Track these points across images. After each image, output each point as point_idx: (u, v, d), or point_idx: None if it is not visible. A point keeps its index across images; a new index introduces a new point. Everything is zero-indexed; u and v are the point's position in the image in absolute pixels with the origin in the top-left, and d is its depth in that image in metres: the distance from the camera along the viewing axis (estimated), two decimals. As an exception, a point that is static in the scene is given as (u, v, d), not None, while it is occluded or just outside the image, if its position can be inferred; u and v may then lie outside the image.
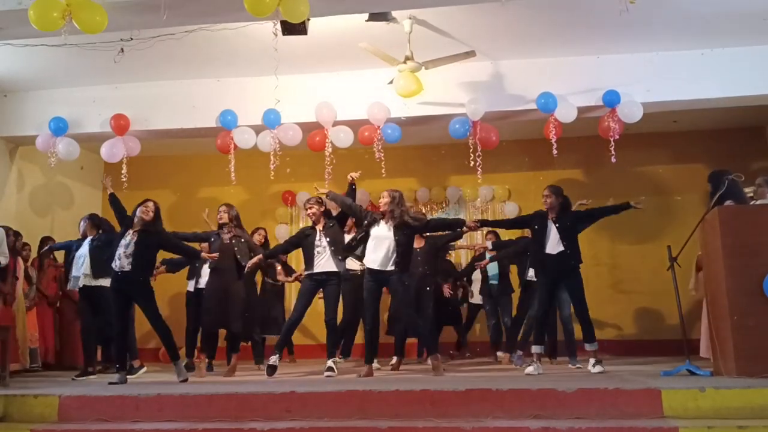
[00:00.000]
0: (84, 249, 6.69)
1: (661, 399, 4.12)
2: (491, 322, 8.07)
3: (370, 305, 6.09)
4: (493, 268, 7.89)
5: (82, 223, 6.96)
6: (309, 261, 6.25)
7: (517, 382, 4.83)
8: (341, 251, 6.25)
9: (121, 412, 4.50)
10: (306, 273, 6.31)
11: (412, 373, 6.35)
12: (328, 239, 6.21)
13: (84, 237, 6.85)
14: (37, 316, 7.75)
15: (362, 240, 6.10)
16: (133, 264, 5.73)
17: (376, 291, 6.08)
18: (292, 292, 9.53)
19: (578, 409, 4.13)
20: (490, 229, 8.15)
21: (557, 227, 6.00)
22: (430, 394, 4.35)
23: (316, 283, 6.23)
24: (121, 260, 5.75)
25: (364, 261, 6.12)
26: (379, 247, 5.95)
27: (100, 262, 6.46)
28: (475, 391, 4.34)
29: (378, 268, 5.94)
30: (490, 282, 7.93)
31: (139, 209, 5.93)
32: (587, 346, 5.92)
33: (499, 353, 7.76)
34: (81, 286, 6.63)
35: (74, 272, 6.69)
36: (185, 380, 5.75)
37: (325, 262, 6.18)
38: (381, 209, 6.12)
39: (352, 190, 6.44)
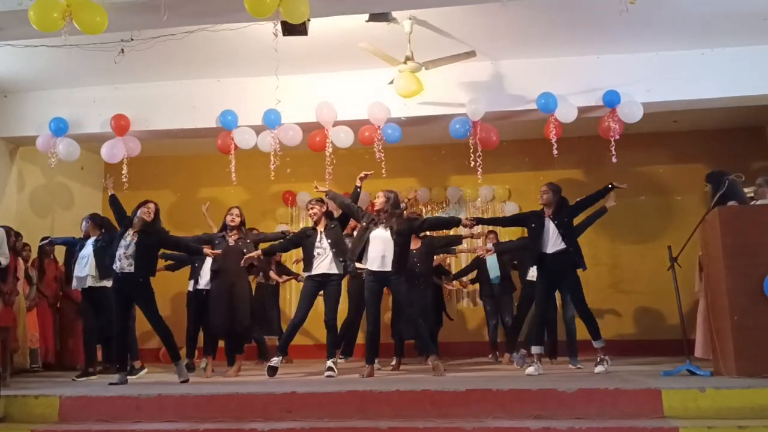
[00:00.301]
0: (88, 249, 6.66)
1: (661, 399, 4.13)
2: (492, 322, 8.07)
3: (372, 306, 6.10)
4: (494, 269, 7.87)
5: (84, 223, 6.93)
6: (308, 262, 6.26)
7: (518, 382, 4.84)
8: (343, 254, 6.26)
9: (122, 412, 4.51)
10: (306, 275, 6.33)
11: (412, 374, 6.35)
12: (329, 241, 6.21)
13: (86, 237, 6.84)
14: (37, 317, 7.75)
15: (365, 245, 6.08)
16: (135, 264, 5.75)
17: (378, 291, 6.09)
18: (292, 294, 9.56)
19: (579, 409, 4.14)
20: (490, 228, 8.17)
21: (555, 224, 5.99)
22: (430, 395, 4.36)
23: (317, 284, 6.24)
24: (122, 261, 5.76)
25: (364, 262, 6.12)
26: (378, 248, 5.96)
27: (105, 263, 6.47)
28: (476, 392, 4.35)
29: (378, 269, 5.95)
30: (492, 282, 7.92)
31: (140, 210, 5.93)
32: (594, 344, 5.93)
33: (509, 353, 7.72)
34: (86, 286, 6.62)
35: (78, 272, 6.66)
36: (186, 381, 5.75)
37: (325, 264, 6.19)
38: (375, 209, 6.13)
39: (356, 192, 6.44)
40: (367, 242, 6.02)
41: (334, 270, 6.21)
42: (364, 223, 6.14)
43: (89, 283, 6.58)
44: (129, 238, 5.83)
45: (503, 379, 5.35)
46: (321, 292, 6.30)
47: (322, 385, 4.99)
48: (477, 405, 4.25)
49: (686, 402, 4.11)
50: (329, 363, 6.07)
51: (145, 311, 5.88)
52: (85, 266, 6.59)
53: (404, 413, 4.25)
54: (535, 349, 5.99)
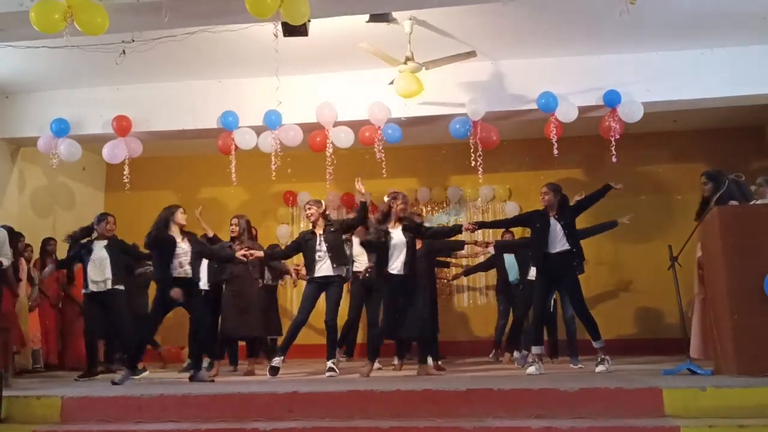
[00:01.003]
0: (101, 252, 6.56)
1: (662, 398, 4.12)
2: (501, 322, 8.01)
3: (392, 309, 6.09)
4: (513, 269, 7.69)
5: (101, 223, 6.68)
6: (310, 266, 6.27)
7: (519, 382, 4.84)
8: (340, 259, 6.26)
9: (124, 412, 4.50)
10: (308, 277, 6.33)
11: (413, 374, 6.34)
12: (327, 245, 6.22)
13: (90, 235, 6.74)
14: (39, 317, 7.74)
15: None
16: (193, 270, 5.94)
17: (397, 296, 6.08)
18: (293, 293, 9.55)
19: (580, 409, 4.13)
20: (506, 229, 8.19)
21: (562, 224, 5.98)
22: (431, 394, 4.36)
23: (318, 286, 6.26)
24: (184, 267, 5.89)
25: (388, 269, 6.11)
26: (399, 254, 5.99)
27: (120, 268, 6.55)
28: (477, 391, 4.34)
29: (398, 273, 5.98)
30: (511, 282, 7.76)
31: (179, 216, 5.96)
32: (594, 344, 5.93)
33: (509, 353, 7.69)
34: (105, 289, 6.52)
35: (94, 276, 6.49)
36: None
37: (326, 267, 6.21)
38: (397, 211, 6.08)
39: (364, 206, 6.36)
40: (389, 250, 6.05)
41: (335, 272, 6.24)
42: (382, 238, 6.10)
43: (109, 285, 6.51)
44: (185, 246, 5.93)
45: (504, 379, 5.34)
46: (322, 294, 6.31)
47: (324, 384, 4.99)
48: (478, 405, 4.24)
49: (687, 401, 4.10)
50: (330, 363, 6.08)
51: (196, 313, 6.08)
52: (105, 269, 6.51)
53: (405, 413, 4.24)
54: (535, 349, 5.98)
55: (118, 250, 6.64)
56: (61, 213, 9.26)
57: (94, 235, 6.76)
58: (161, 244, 5.89)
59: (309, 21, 5.77)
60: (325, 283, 6.23)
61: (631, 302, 9.29)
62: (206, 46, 6.72)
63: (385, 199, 6.26)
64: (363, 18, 6.26)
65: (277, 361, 6.17)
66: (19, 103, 8.07)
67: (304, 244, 6.36)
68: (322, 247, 6.23)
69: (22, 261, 7.37)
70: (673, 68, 7.26)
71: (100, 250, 6.57)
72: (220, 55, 7.10)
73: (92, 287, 6.55)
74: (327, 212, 6.58)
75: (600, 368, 5.79)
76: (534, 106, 7.31)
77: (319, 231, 6.33)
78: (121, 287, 6.60)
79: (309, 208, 6.43)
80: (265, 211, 10.07)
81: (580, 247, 6.03)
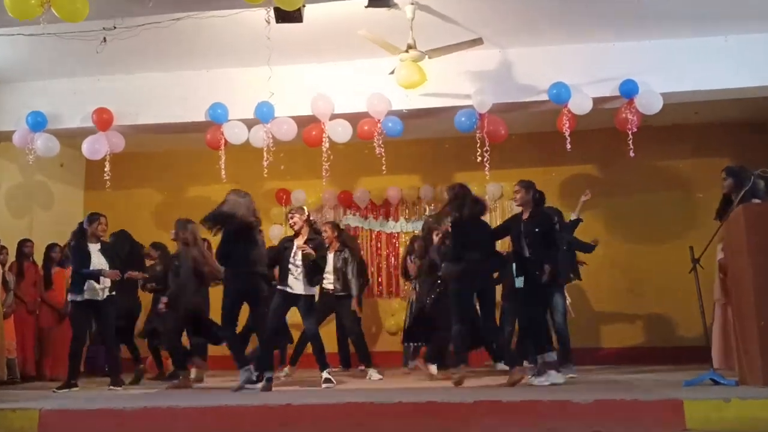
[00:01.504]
0: (101, 259, 6.57)
1: (683, 410, 4.13)
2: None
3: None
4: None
5: (95, 224, 6.64)
6: (283, 276, 6.19)
7: (529, 392, 4.84)
8: (311, 279, 6.17)
9: (105, 426, 4.51)
10: (279, 287, 6.22)
11: (419, 382, 6.35)
12: (302, 260, 6.11)
13: (81, 237, 6.68)
14: (15, 325, 7.71)
15: None
16: None
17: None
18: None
19: (595, 422, 4.13)
20: None
21: (524, 231, 5.93)
22: (435, 407, 4.35)
23: (285, 300, 6.18)
24: None
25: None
26: None
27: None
28: (484, 403, 4.35)
29: None
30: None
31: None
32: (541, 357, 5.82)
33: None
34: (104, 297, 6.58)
35: (95, 283, 6.51)
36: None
37: (298, 283, 6.13)
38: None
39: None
40: None
41: (302, 291, 6.15)
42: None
43: (107, 293, 6.57)
44: None
45: (514, 390, 5.33)
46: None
47: (320, 396, 5.00)
48: (486, 418, 4.24)
49: (709, 413, 4.10)
50: (325, 374, 6.09)
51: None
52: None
53: (407, 427, 4.24)
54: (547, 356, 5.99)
55: (113, 254, 6.71)
56: (39, 212, 9.26)
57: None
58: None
59: (304, 6, 5.77)
60: (294, 298, 6.16)
61: (647, 307, 9.26)
62: (193, 33, 6.72)
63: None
64: (361, 3, 6.25)
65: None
66: (-7, 95, 8.07)
67: (282, 252, 6.30)
68: (296, 260, 6.14)
69: (-3, 264, 7.37)
70: (694, 56, 7.24)
71: (97, 257, 6.58)
72: (209, 43, 7.09)
73: (87, 295, 6.51)
74: (313, 220, 6.55)
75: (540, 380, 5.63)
76: (545, 98, 7.30)
77: (299, 241, 6.22)
78: (114, 293, 6.67)
79: (292, 217, 6.36)
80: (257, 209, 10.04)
81: (539, 255, 5.86)
